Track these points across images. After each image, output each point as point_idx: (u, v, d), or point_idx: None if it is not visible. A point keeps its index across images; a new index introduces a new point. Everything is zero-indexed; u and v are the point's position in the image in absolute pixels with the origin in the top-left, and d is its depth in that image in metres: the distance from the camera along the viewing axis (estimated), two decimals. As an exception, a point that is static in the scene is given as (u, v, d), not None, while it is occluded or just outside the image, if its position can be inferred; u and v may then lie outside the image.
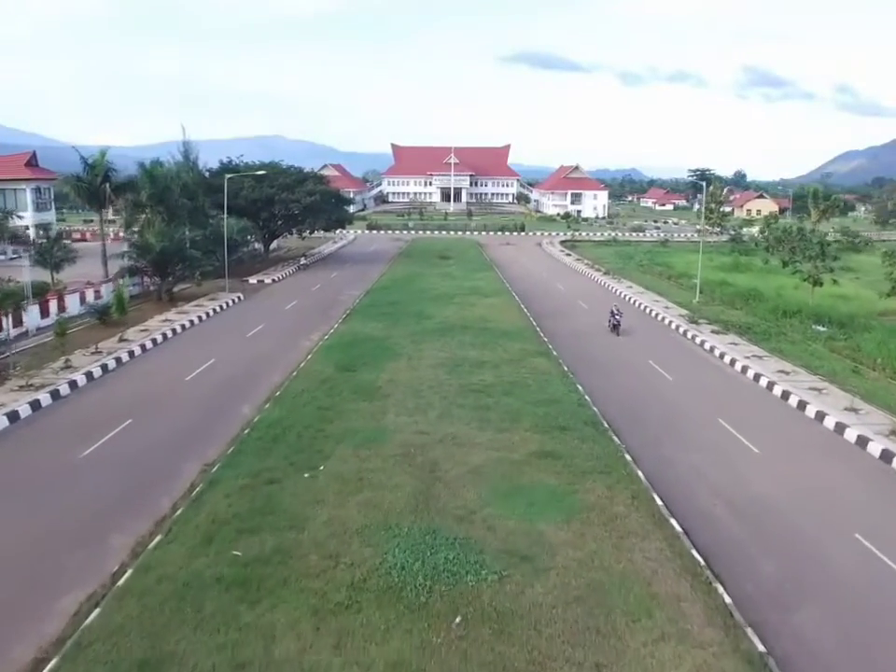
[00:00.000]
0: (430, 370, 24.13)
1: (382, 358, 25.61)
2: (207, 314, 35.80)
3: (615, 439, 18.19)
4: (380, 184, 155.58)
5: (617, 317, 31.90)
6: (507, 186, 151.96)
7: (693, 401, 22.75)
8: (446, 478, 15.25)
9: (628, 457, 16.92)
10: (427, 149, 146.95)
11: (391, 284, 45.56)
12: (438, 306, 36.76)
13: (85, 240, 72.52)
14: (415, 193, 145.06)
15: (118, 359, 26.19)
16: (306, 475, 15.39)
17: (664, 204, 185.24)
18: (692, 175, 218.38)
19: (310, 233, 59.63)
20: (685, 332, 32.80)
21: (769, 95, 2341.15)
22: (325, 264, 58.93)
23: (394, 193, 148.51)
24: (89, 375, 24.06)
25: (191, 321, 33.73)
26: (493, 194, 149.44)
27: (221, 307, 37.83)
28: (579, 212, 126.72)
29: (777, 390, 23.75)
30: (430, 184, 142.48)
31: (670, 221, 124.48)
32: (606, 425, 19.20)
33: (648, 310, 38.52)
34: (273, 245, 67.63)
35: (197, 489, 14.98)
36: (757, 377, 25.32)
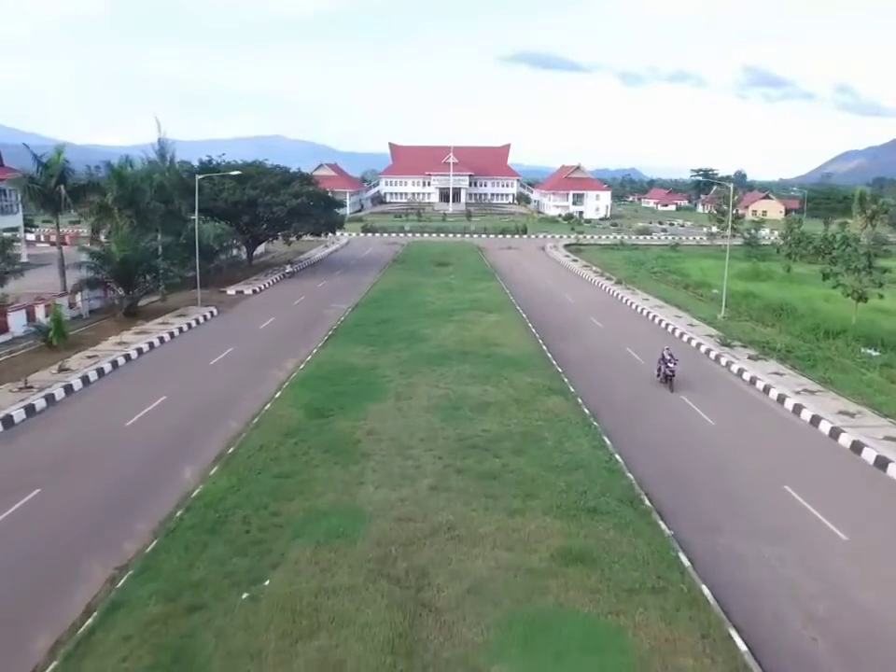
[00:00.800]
0: (422, 414, 19.82)
1: (364, 397, 21.28)
2: (171, 334, 31.43)
3: (661, 525, 13.88)
4: (377, 184, 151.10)
5: (670, 365, 23.59)
6: (507, 186, 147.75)
7: (747, 457, 18.41)
8: (438, 603, 10.92)
9: (684, 559, 12.59)
10: (426, 149, 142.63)
11: (382, 296, 41.22)
12: (434, 325, 32.43)
13: (65, 244, 68.08)
14: (413, 194, 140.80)
15: (49, 397, 21.84)
16: (244, 596, 11.09)
17: (666, 205, 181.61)
18: (695, 175, 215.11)
19: (297, 238, 55.25)
20: (718, 358, 28.48)
21: (769, 95, 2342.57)
22: (313, 271, 54.55)
23: (391, 194, 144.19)
24: (7, 420, 19.73)
25: (151, 344, 29.36)
26: (493, 194, 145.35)
27: (189, 325, 33.45)
28: (581, 213, 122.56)
29: (845, 440, 19.45)
30: (429, 184, 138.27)
31: (676, 223, 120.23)
32: (646, 501, 14.88)
33: (671, 329, 34.17)
34: (260, 249, 63.37)
35: (90, 620, 10.67)
36: (816, 420, 21.00)
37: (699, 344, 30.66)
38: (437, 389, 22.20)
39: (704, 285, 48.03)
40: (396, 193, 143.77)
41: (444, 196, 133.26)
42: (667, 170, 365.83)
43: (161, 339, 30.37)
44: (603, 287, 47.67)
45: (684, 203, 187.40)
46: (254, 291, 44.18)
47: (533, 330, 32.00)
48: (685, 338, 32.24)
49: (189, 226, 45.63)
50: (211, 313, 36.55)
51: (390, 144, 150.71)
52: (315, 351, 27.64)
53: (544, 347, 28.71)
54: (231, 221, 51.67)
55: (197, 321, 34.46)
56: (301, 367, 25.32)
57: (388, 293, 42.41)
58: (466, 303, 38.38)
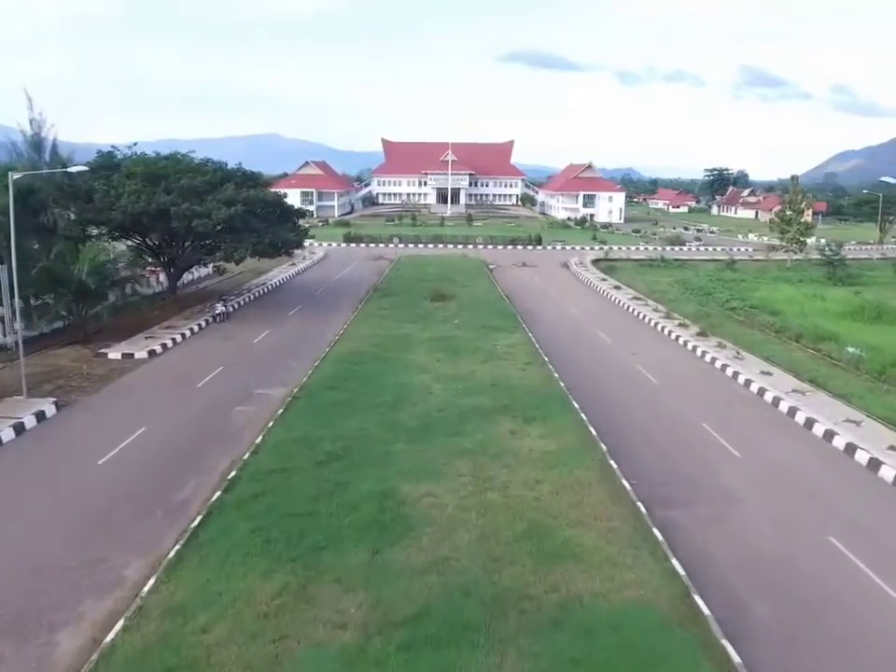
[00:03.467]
0: None
1: None
2: None
3: None
4: (368, 184, 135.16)
5: None
6: (510, 186, 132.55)
7: None
8: None
9: None
10: (422, 145, 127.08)
11: (344, 373, 25.23)
12: (427, 465, 16.82)
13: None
14: (408, 194, 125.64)
15: None
16: None
17: (677, 206, 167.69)
18: (708, 175, 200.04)
19: (235, 264, 39.33)
20: None
21: (766, 95, 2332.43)
22: (258, 308, 38.74)
23: (384, 194, 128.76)
24: None
25: None
26: (495, 195, 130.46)
27: (-30, 454, 17.81)
28: (592, 216, 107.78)
29: None
30: (425, 184, 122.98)
31: (705, 229, 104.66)
32: None
33: (870, 462, 18.59)
34: (207, 270, 47.62)
35: None
36: None
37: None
38: None
39: (826, 337, 32.60)
40: (389, 194, 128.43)
41: (442, 197, 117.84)
42: (666, 169, 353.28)
43: None
44: (684, 344, 31.84)
45: (693, 204, 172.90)
46: (151, 353, 28.44)
47: (619, 476, 16.46)
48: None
49: (66, 247, 30.23)
50: (39, 415, 20.82)
51: (383, 140, 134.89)
52: (155, 579, 11.99)
53: (664, 548, 13.16)
54: (136, 240, 36.15)
55: (-3, 440, 18.77)
56: (114, 647, 9.71)
57: (356, 362, 26.68)
58: (483, 391, 22.74)
